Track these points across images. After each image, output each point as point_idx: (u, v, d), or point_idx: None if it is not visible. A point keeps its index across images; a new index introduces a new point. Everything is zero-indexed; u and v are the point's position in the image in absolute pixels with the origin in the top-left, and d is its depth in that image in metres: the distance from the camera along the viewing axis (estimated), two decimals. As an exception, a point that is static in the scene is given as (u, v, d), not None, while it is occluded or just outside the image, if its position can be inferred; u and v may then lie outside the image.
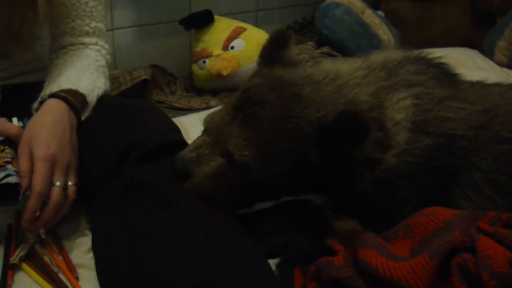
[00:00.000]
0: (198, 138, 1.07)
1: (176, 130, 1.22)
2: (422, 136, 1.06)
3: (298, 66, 1.12)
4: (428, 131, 1.07)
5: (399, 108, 1.07)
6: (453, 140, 1.08)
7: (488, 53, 2.24)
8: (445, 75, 1.18)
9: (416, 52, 1.20)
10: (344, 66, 1.14)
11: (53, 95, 1.14)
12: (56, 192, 1.02)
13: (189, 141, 1.20)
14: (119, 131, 1.12)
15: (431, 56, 1.19)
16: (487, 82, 1.27)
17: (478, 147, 1.10)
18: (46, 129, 1.06)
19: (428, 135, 1.07)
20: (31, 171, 1.01)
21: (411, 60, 1.16)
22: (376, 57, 1.18)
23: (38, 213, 1.01)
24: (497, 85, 1.27)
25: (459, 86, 1.18)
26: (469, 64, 2.15)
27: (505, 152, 1.11)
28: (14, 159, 1.04)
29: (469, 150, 1.10)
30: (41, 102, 1.15)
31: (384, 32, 2.17)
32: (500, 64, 2.18)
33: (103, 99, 1.24)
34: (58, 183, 1.03)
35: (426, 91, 1.11)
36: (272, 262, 1.04)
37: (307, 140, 1.00)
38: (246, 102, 1.03)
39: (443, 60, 1.20)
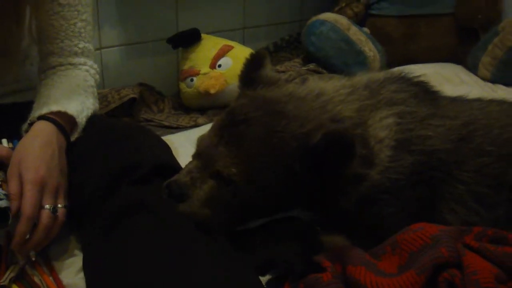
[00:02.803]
0: (190, 163, 1.08)
1: (168, 151, 1.23)
2: (405, 154, 1.08)
3: (279, 84, 1.14)
4: (410, 149, 1.09)
5: (382, 126, 1.09)
6: (433, 155, 1.10)
7: (472, 69, 2.27)
8: (425, 93, 1.20)
9: (397, 71, 1.22)
10: (328, 84, 1.16)
11: (41, 117, 1.14)
12: (45, 215, 1.02)
13: (178, 158, 1.21)
14: (110, 153, 1.12)
15: (411, 75, 1.21)
16: (468, 97, 1.30)
17: (459, 159, 1.12)
18: (35, 152, 1.05)
19: (410, 153, 1.08)
20: (21, 194, 1.01)
21: (392, 79, 1.19)
22: (360, 78, 1.20)
23: (28, 236, 1.01)
24: (477, 100, 1.29)
25: (440, 102, 1.20)
26: (454, 79, 2.18)
27: (486, 164, 1.13)
28: (4, 182, 1.04)
29: (450, 163, 1.12)
30: (30, 124, 1.15)
31: (369, 48, 2.19)
32: (484, 79, 2.22)
33: (93, 120, 1.24)
34: (47, 206, 1.02)
35: (408, 109, 1.13)
36: (262, 280, 1.05)
37: (292, 154, 1.01)
38: (231, 121, 1.05)
39: (422, 78, 1.22)
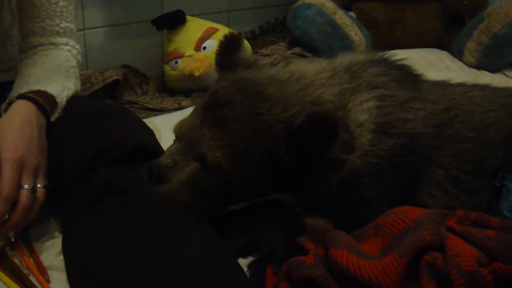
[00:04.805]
0: (171, 146, 1.08)
1: (150, 134, 1.22)
2: (385, 137, 1.08)
3: (258, 66, 1.15)
4: (390, 133, 1.09)
5: (363, 110, 1.09)
6: (414, 138, 1.10)
7: (457, 54, 2.28)
8: (407, 76, 1.20)
9: (379, 54, 1.22)
10: (309, 67, 1.16)
11: (21, 96, 1.13)
12: (24, 195, 1.01)
13: (161, 142, 1.20)
14: (90, 133, 1.11)
15: (393, 58, 1.21)
16: (451, 81, 1.29)
17: (439, 144, 1.13)
18: (14, 132, 1.04)
19: (390, 136, 1.08)
20: None
21: (374, 63, 1.18)
22: (341, 60, 1.20)
23: (6, 217, 1.00)
24: (460, 85, 1.29)
25: (421, 86, 1.20)
26: (439, 65, 2.19)
27: (466, 150, 1.13)
28: None
29: (430, 148, 1.12)
30: (10, 103, 1.13)
31: (355, 33, 2.18)
32: (469, 65, 2.23)
33: (74, 100, 1.22)
34: (26, 186, 1.01)
35: (388, 93, 1.12)
36: (244, 263, 1.05)
37: (276, 138, 1.01)
38: (215, 103, 1.04)
39: (405, 62, 1.22)
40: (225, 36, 1.17)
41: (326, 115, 0.98)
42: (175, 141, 1.09)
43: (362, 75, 1.15)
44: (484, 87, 1.31)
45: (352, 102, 1.10)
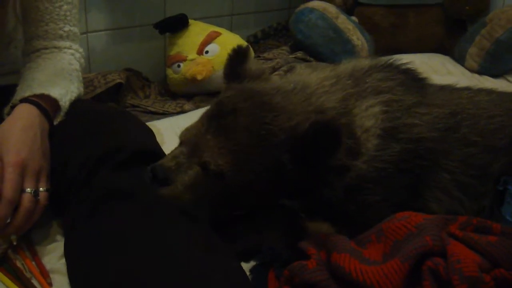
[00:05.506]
0: (175, 149, 1.08)
1: (151, 137, 1.22)
2: (392, 142, 1.08)
3: (264, 77, 1.16)
4: (397, 138, 1.09)
5: (369, 115, 1.09)
6: (420, 143, 1.10)
7: (460, 59, 2.27)
8: (412, 80, 1.20)
9: (384, 59, 1.22)
10: (312, 76, 1.16)
11: (24, 100, 1.13)
12: (27, 198, 1.01)
13: (164, 145, 1.20)
14: (93, 137, 1.11)
15: (398, 62, 1.21)
16: (457, 86, 1.30)
17: (445, 148, 1.13)
18: (17, 135, 1.04)
19: (397, 141, 1.09)
20: (1, 177, 0.99)
21: (378, 68, 1.18)
22: (345, 66, 1.20)
23: (9, 220, 1.00)
24: (466, 89, 1.30)
25: (427, 90, 1.20)
26: (441, 70, 2.19)
27: (472, 155, 1.14)
28: None
29: (436, 152, 1.12)
30: (13, 107, 1.14)
31: (357, 37, 2.19)
32: (471, 70, 2.22)
33: (76, 104, 1.22)
34: (29, 189, 1.01)
35: (395, 98, 1.13)
36: (246, 267, 1.05)
37: (280, 146, 1.02)
38: (220, 112, 1.05)
39: (410, 66, 1.22)
40: (234, 49, 1.18)
41: (330, 123, 0.98)
42: (179, 145, 1.09)
43: (367, 80, 1.15)
44: (490, 92, 1.31)
45: (358, 107, 1.10)
